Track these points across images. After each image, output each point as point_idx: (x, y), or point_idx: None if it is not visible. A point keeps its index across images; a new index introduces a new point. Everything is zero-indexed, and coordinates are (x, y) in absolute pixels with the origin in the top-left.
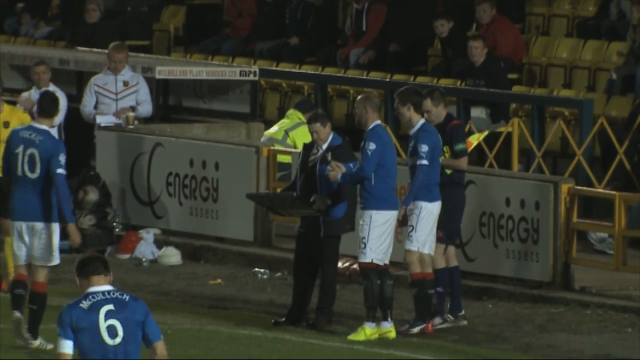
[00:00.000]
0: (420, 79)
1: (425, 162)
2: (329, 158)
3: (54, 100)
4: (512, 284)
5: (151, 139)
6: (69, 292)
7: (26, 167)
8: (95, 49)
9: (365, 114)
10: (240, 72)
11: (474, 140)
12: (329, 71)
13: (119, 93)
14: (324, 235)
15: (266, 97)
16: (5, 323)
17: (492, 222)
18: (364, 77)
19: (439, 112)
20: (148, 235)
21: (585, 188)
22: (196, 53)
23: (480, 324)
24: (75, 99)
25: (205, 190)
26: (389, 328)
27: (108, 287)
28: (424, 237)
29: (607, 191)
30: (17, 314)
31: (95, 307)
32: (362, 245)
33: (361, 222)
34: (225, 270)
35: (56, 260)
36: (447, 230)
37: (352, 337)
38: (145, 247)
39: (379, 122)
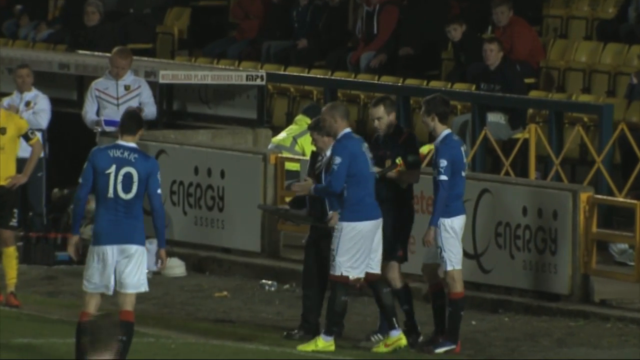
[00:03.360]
0: (434, 84)
1: (444, 177)
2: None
3: (135, 116)
4: (529, 297)
5: (154, 145)
6: (69, 305)
7: (119, 188)
8: (96, 53)
9: (335, 124)
10: (247, 76)
11: (424, 150)
12: (338, 75)
13: (120, 98)
14: None
15: (274, 102)
16: (1, 337)
17: (509, 232)
18: (375, 82)
19: (390, 120)
20: (151, 246)
21: (605, 197)
22: (201, 57)
23: (496, 338)
24: (75, 104)
25: (211, 199)
26: (398, 336)
27: None
28: (454, 255)
29: (628, 200)
30: None
31: None
32: (332, 258)
33: (333, 234)
34: (231, 282)
35: (146, 286)
36: (405, 248)
37: (302, 347)
38: (149, 258)
39: (348, 130)
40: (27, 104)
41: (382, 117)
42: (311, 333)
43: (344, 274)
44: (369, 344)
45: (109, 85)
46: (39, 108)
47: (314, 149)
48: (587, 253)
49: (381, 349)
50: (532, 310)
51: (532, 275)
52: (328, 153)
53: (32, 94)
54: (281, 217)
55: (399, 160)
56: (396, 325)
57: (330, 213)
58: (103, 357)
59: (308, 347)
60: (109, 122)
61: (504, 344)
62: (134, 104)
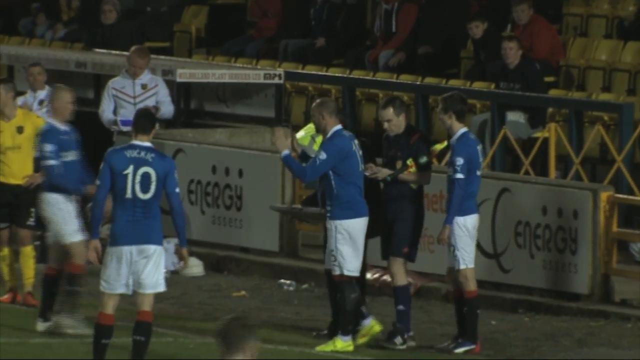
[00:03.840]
0: (453, 82)
1: (460, 175)
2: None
3: (149, 115)
4: (549, 297)
5: (172, 144)
6: (86, 305)
7: (137, 188)
8: (113, 51)
9: (323, 120)
10: (265, 75)
11: (437, 148)
12: (357, 74)
13: (137, 97)
14: None
15: (292, 100)
16: (16, 336)
17: (528, 231)
18: (394, 80)
19: (400, 122)
20: (169, 246)
21: (625, 196)
22: (219, 55)
23: (516, 338)
24: (92, 103)
25: (229, 199)
26: (370, 323)
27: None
28: (467, 253)
29: None
30: None
31: None
32: (333, 258)
33: (328, 234)
34: (249, 281)
35: (164, 286)
36: (411, 247)
37: (320, 347)
38: (166, 258)
39: (338, 127)
40: (41, 102)
41: (392, 119)
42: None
43: (346, 273)
44: (389, 344)
45: (126, 84)
46: None
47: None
48: (607, 253)
49: (360, 340)
50: (552, 310)
51: (552, 274)
52: None
53: (46, 92)
54: (294, 217)
55: (409, 162)
56: (365, 314)
57: None
58: (237, 359)
59: (327, 347)
60: (125, 122)
61: (523, 344)
62: (150, 103)
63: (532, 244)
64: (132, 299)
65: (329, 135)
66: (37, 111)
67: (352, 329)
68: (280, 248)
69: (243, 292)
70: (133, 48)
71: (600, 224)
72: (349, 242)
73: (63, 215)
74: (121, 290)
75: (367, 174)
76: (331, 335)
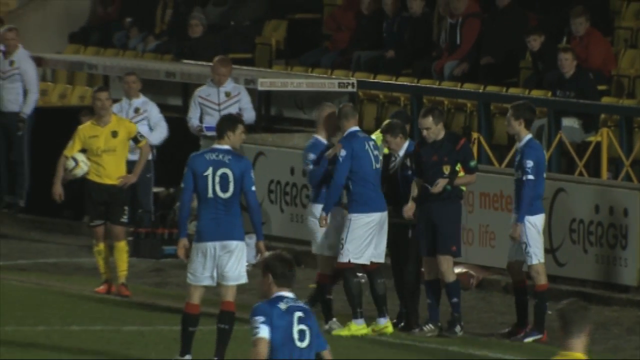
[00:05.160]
0: (512, 91)
1: (531, 176)
2: (408, 163)
3: (232, 120)
4: (602, 288)
5: (254, 148)
6: (175, 295)
7: (218, 188)
8: (199, 62)
9: (341, 122)
10: (339, 83)
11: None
12: (424, 83)
13: (221, 104)
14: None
15: (364, 107)
16: (111, 324)
17: (582, 228)
18: (458, 89)
19: (439, 129)
20: (250, 241)
21: None
22: (296, 65)
23: None
24: (180, 110)
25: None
26: (385, 324)
27: (292, 295)
28: (538, 249)
29: None
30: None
31: (291, 311)
32: (340, 246)
33: (344, 224)
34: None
35: (246, 278)
36: (458, 244)
37: (336, 332)
38: (248, 252)
39: (354, 128)
40: (136, 110)
41: (430, 127)
42: (412, 318)
43: (352, 260)
44: (421, 334)
45: (211, 92)
46: (154, 123)
47: (387, 151)
48: None
49: (344, 332)
50: (604, 300)
51: (604, 268)
52: (401, 154)
53: (140, 100)
54: None
55: (458, 167)
56: (385, 314)
57: (408, 204)
58: (579, 340)
59: (342, 332)
60: (209, 128)
61: None
62: (233, 110)
63: (585, 239)
64: (217, 290)
65: (345, 134)
66: (132, 118)
67: (361, 311)
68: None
69: None
70: (216, 58)
71: None
72: (361, 233)
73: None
74: (206, 282)
75: (434, 190)
76: (398, 324)
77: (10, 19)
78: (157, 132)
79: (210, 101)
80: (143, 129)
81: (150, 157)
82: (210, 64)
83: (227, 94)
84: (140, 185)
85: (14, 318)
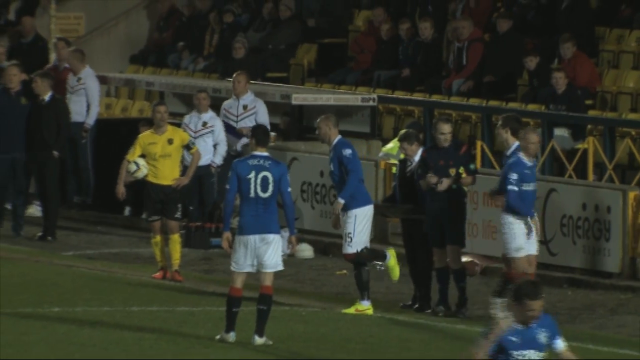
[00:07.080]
0: (511, 105)
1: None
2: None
3: (266, 131)
4: (588, 275)
5: (289, 154)
6: (221, 281)
7: (259, 189)
8: None
9: (329, 131)
10: (362, 99)
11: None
12: (435, 98)
13: (239, 115)
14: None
15: (383, 119)
16: (166, 305)
17: (571, 223)
18: (464, 103)
19: (451, 137)
20: (285, 234)
21: None
22: (325, 83)
23: (561, 308)
24: None
25: (334, 197)
26: (367, 306)
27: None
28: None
29: None
30: (233, 335)
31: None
32: (349, 240)
33: (346, 220)
34: (349, 263)
35: (282, 266)
36: (464, 236)
37: (345, 310)
38: (283, 244)
39: (340, 136)
40: (204, 124)
41: (449, 133)
42: (423, 307)
43: (359, 250)
44: (433, 314)
45: (233, 104)
46: (218, 137)
47: (403, 156)
48: (634, 240)
49: (351, 310)
50: (590, 285)
51: (590, 257)
52: (416, 159)
53: (209, 115)
54: (384, 211)
55: (461, 170)
56: (366, 297)
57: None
58: None
59: (349, 310)
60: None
61: (567, 313)
62: (250, 122)
63: (574, 233)
64: (256, 276)
65: (336, 141)
66: (199, 130)
67: (367, 294)
68: (374, 235)
69: (344, 271)
70: (236, 72)
71: (629, 217)
72: (364, 224)
73: (514, 233)
74: (247, 269)
75: (433, 182)
76: (412, 305)
77: (79, 43)
78: (219, 152)
79: (231, 113)
80: (208, 143)
81: (213, 170)
82: (251, 82)
83: (245, 107)
84: (206, 188)
85: (83, 300)
